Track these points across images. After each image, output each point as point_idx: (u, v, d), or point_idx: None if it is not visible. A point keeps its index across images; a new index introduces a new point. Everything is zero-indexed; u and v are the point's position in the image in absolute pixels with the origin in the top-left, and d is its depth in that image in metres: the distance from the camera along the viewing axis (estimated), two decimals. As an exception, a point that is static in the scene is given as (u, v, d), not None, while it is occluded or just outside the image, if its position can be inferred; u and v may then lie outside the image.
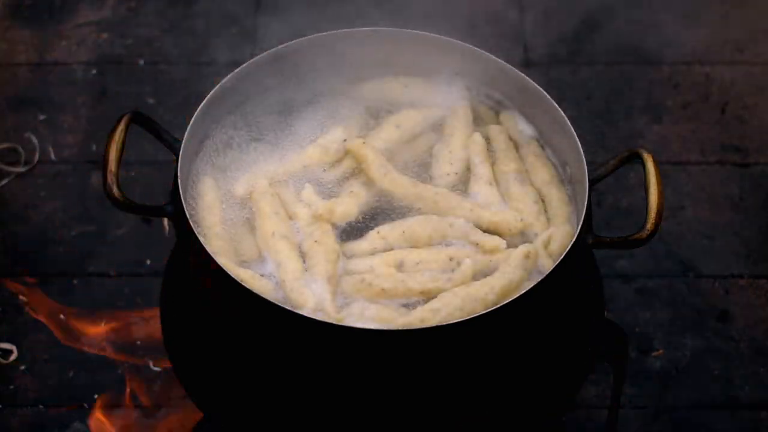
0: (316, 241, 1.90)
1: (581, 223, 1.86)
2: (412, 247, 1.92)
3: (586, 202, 1.87)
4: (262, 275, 1.88)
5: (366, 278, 1.87)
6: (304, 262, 1.89)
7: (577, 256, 1.86)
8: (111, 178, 1.86)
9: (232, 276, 1.79)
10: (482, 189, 1.99)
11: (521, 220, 1.94)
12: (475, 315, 1.76)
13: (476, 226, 1.94)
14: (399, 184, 1.98)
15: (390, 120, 2.08)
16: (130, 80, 2.87)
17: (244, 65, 2.06)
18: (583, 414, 2.34)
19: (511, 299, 1.78)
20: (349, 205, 1.96)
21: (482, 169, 2.02)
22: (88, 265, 2.53)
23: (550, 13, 3.03)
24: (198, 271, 1.87)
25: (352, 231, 1.96)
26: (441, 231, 1.94)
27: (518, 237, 1.95)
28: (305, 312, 1.80)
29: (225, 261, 1.85)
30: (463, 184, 2.03)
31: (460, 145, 2.05)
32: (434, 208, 1.97)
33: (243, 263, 1.91)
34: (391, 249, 1.92)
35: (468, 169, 2.04)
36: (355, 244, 1.93)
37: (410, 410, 1.87)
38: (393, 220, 1.97)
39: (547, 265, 1.88)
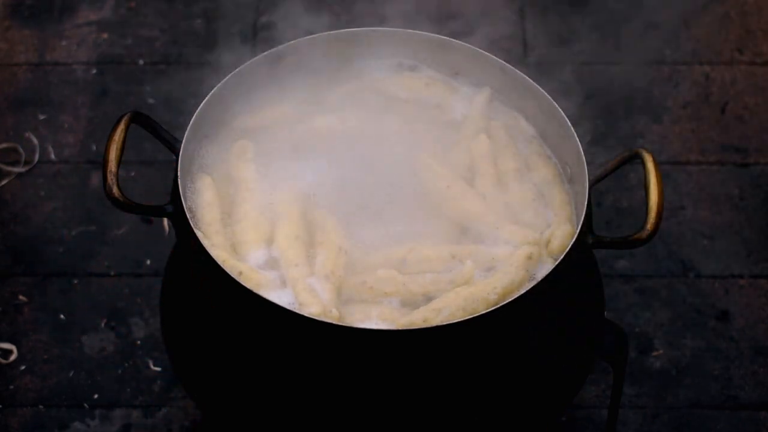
0: (320, 242, 1.90)
1: (581, 223, 1.86)
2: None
3: (586, 202, 1.87)
4: (261, 270, 1.88)
5: (368, 281, 1.87)
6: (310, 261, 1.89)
7: (577, 256, 1.86)
8: (111, 178, 1.85)
9: (233, 276, 1.79)
10: (487, 189, 1.99)
11: (541, 233, 1.93)
12: (476, 315, 1.76)
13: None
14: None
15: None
16: (130, 80, 2.87)
17: (245, 65, 2.05)
18: (583, 414, 2.34)
19: (511, 299, 1.78)
20: None
21: (487, 169, 2.02)
22: (88, 265, 2.53)
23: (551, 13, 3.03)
24: (198, 271, 1.87)
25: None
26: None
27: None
28: (307, 312, 1.80)
29: (225, 259, 1.85)
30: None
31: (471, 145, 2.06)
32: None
33: (242, 259, 1.90)
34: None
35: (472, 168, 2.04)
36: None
37: (412, 410, 1.87)
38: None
39: (548, 264, 1.88)
